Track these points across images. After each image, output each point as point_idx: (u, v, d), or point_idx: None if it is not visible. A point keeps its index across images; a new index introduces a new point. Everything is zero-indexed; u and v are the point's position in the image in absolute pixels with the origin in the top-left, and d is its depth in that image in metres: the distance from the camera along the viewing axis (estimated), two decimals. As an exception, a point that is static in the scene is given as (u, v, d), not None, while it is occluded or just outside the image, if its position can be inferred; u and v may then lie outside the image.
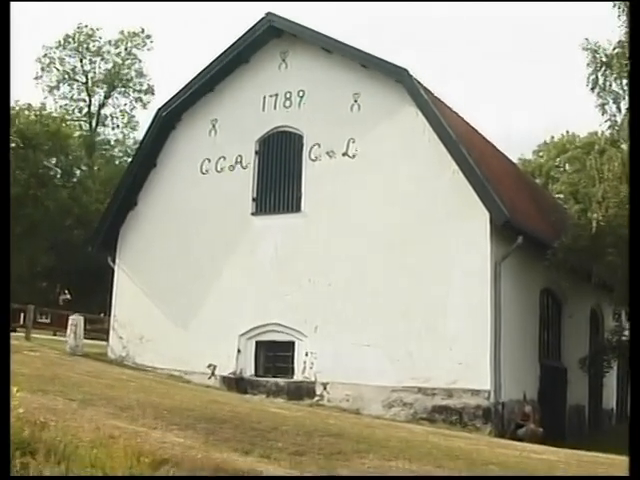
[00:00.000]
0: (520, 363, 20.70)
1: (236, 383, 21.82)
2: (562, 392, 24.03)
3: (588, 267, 20.82)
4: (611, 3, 21.08)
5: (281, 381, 21.41)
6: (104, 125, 64.63)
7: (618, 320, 24.84)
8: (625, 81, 22.56)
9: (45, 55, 61.72)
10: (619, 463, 12.91)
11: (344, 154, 21.53)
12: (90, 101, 63.41)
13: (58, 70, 62.22)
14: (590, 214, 20.48)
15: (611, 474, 11.13)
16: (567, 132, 60.12)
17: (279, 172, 22.77)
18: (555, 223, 24.19)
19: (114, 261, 25.04)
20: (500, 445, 14.62)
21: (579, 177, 42.87)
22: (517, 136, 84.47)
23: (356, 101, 21.54)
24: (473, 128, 25.67)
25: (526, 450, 13.77)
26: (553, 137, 61.25)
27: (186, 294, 23.13)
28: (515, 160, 43.68)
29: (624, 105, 22.81)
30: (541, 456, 12.72)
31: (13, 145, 44.69)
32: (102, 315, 39.04)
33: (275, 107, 22.89)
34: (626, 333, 25.19)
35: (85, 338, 24.87)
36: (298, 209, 22.11)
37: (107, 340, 25.38)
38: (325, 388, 20.59)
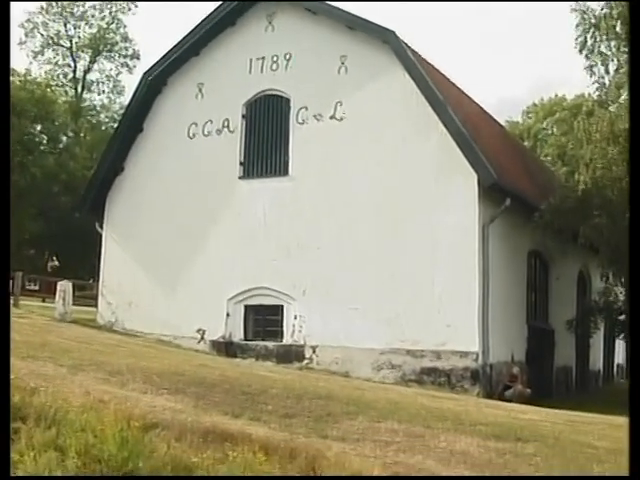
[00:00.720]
0: (508, 325, 20.82)
1: (225, 347, 21.88)
2: (549, 353, 24.22)
3: (575, 229, 20.88)
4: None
5: (270, 345, 21.50)
6: (90, 91, 64.09)
7: (605, 282, 25.00)
8: (613, 43, 22.53)
9: (28, 20, 61.00)
10: (604, 422, 13.08)
11: (331, 117, 21.42)
12: (75, 66, 62.83)
13: (42, 35, 61.56)
14: (578, 176, 20.51)
15: (595, 433, 11.25)
16: (555, 95, 60.04)
17: (266, 136, 22.67)
18: (543, 185, 24.27)
19: (102, 227, 24.97)
20: (488, 406, 14.74)
21: (567, 139, 42.94)
22: (505, 99, 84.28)
23: (343, 63, 21.40)
24: (460, 90, 25.57)
25: (514, 410, 13.89)
26: (542, 99, 61.17)
27: (174, 259, 23.10)
28: (503, 123, 43.62)
29: (612, 67, 22.82)
30: (528, 416, 12.84)
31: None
32: (91, 281, 39.01)
33: (262, 70, 22.72)
34: (613, 295, 25.44)
35: (74, 304, 24.87)
36: (286, 173, 22.05)
37: (96, 306, 25.37)
38: (314, 351, 20.69)
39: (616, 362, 32.33)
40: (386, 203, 20.36)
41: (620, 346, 31.42)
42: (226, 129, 23.13)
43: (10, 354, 7.18)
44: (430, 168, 19.97)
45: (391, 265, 20.04)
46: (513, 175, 23.08)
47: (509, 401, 17.60)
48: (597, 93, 24.01)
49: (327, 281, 20.76)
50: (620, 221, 19.73)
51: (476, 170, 19.21)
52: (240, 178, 22.75)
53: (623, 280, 24.04)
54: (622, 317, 25.33)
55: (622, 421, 13.81)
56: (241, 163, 22.82)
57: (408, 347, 19.52)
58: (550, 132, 57.88)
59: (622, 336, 27.30)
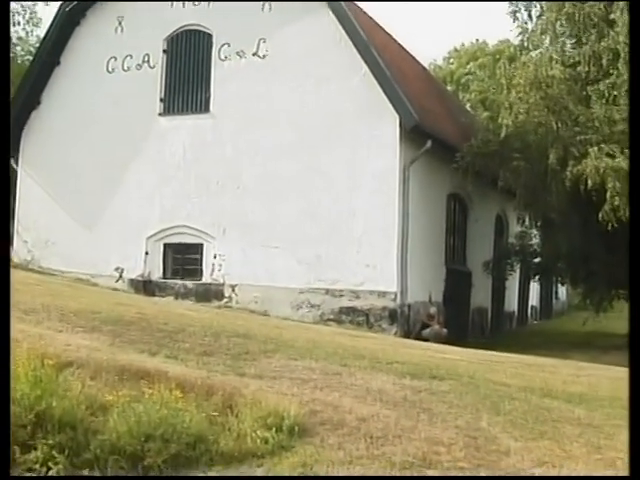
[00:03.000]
0: (426, 266, 21.10)
1: (144, 286, 21.71)
2: (466, 295, 24.69)
3: (495, 172, 21.16)
4: None
5: (189, 283, 21.40)
6: (4, 21, 61.68)
7: (522, 225, 25.54)
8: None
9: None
10: (516, 361, 13.45)
11: (254, 54, 21.10)
12: (-12, -6, 60.37)
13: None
14: (500, 119, 20.72)
15: (508, 371, 11.54)
16: (477, 40, 60.18)
17: (187, 72, 22.23)
18: (464, 129, 24.44)
19: (17, 163, 24.25)
20: (405, 345, 14.97)
21: (489, 84, 43.25)
22: (429, 42, 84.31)
23: (268, 0, 21.03)
24: (385, 32, 25.45)
25: (430, 349, 14.15)
26: (463, 44, 61.26)
27: (92, 196, 22.65)
28: (426, 66, 43.68)
29: (535, 12, 22.96)
30: (444, 355, 13.08)
31: None
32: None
33: (184, 5, 22.20)
34: (529, 238, 26.02)
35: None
36: (207, 110, 21.71)
37: (11, 244, 24.79)
38: (234, 290, 20.68)
39: (530, 304, 33.17)
40: (307, 143, 20.27)
41: (534, 288, 32.22)
42: (146, 64, 22.58)
43: (10, 351, 7.05)
44: (352, 108, 19.90)
45: (312, 205, 20.05)
46: (435, 118, 23.18)
47: (426, 340, 17.92)
48: (520, 38, 24.18)
49: (247, 220, 20.68)
50: (537, 166, 20.08)
51: (398, 111, 19.21)
52: (160, 115, 22.32)
53: (539, 224, 24.60)
54: (537, 260, 25.95)
55: (533, 360, 14.27)
56: (161, 99, 22.37)
57: (327, 287, 19.68)
58: (473, 77, 58.15)
59: (537, 278, 28.00)
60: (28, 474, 6.31)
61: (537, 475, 6.41)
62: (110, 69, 23.01)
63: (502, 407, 8.39)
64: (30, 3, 60.73)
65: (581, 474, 6.50)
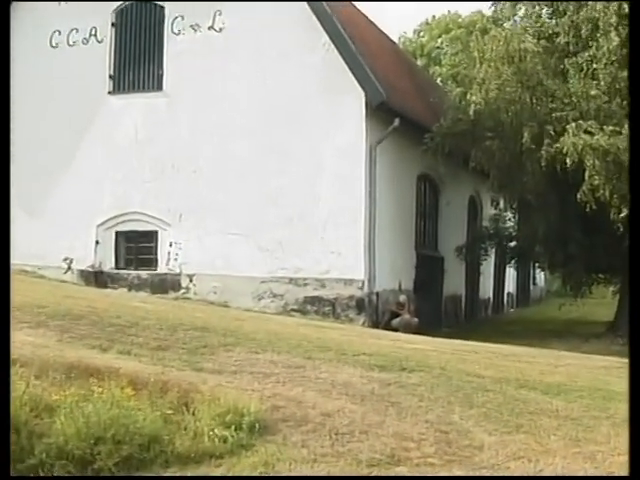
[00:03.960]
0: (395, 252, 21.17)
1: (95, 277, 21.56)
2: (438, 281, 24.81)
3: (467, 152, 21.24)
4: None
5: (144, 274, 21.30)
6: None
7: (496, 207, 25.73)
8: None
9: None
10: (491, 351, 13.54)
11: (210, 27, 20.95)
12: None
13: None
14: (470, 96, 20.76)
15: (482, 362, 11.62)
16: (449, 11, 60.28)
17: (138, 47, 22.01)
18: (435, 106, 24.47)
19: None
20: (373, 335, 15.02)
21: (461, 58, 43.37)
22: (398, 15, 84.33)
23: (223, -31, 20.90)
24: (349, 1, 25.37)
25: (400, 340, 14.20)
26: (435, 16, 61.32)
27: (38, 182, 22.37)
28: (395, 39, 43.68)
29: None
30: (415, 345, 13.13)
31: None
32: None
33: (133, -26, 22.00)
34: (503, 221, 26.21)
35: None
36: (160, 87, 21.53)
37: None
38: (191, 280, 20.62)
39: (507, 290, 33.43)
40: (267, 122, 20.17)
41: (511, 274, 32.47)
42: (94, 38, 22.31)
43: (10, 352, 7.10)
44: (315, 85, 19.84)
45: (273, 189, 20.00)
46: (403, 94, 23.21)
47: (395, 331, 17.99)
48: (492, 9, 24.29)
49: (205, 205, 20.59)
50: (511, 145, 20.19)
51: (363, 87, 19.21)
52: (110, 93, 22.12)
53: (514, 206, 24.77)
54: (513, 244, 26.15)
55: (509, 350, 14.38)
56: (110, 76, 22.15)
57: (290, 275, 19.68)
58: (444, 50, 58.24)
59: (513, 263, 28.21)
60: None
61: (540, 475, 6.47)
62: (54, 44, 22.71)
63: (475, 399, 8.46)
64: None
65: (558, 468, 6.58)
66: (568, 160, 18.25)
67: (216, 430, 6.78)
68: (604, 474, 6.49)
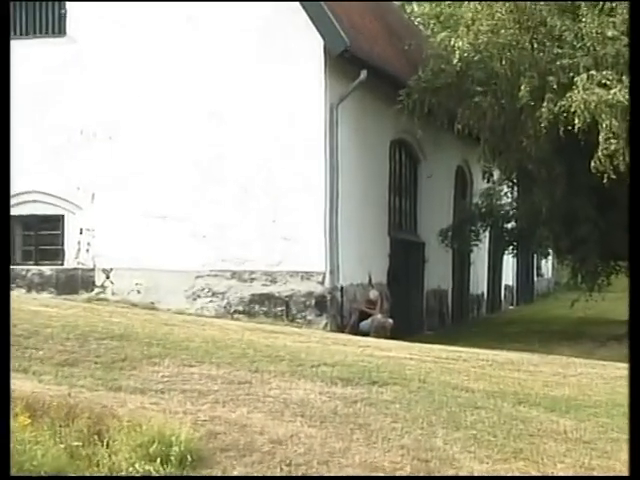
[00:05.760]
0: (364, 237, 21.24)
1: (-17, 275, 21.34)
2: (418, 273, 24.93)
3: (452, 111, 21.28)
4: None
5: (47, 269, 21.20)
6: None
7: (489, 180, 25.74)
8: None
9: None
10: (483, 359, 13.62)
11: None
12: None
13: None
14: (456, 41, 20.76)
15: (472, 372, 11.69)
16: None
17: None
18: (412, 54, 24.44)
19: None
20: (337, 341, 15.01)
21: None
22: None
23: None
24: None
25: (370, 346, 14.20)
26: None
27: None
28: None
29: None
30: (388, 353, 13.15)
31: None
32: None
33: None
34: (498, 197, 26.29)
35: None
36: (62, 31, 21.31)
37: None
38: (108, 277, 20.57)
39: (504, 283, 33.66)
40: (203, 77, 20.09)
41: (509, 263, 32.70)
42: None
43: (10, 352, 7.22)
44: (261, 31, 19.77)
45: (211, 161, 19.97)
46: (372, 40, 23.21)
47: (365, 335, 18.03)
48: None
49: (124, 182, 20.48)
50: (507, 101, 20.25)
51: (322, 33, 19.21)
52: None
53: (512, 178, 24.89)
54: (510, 225, 26.28)
55: (506, 357, 14.45)
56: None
57: (234, 268, 19.70)
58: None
59: (511, 249, 28.35)
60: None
61: (540, 476, 6.49)
62: None
63: (463, 419, 8.50)
64: None
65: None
66: (578, 120, 18.31)
67: (137, 465, 6.74)
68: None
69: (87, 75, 20.94)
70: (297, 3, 19.21)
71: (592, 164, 18.50)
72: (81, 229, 20.88)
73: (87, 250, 20.81)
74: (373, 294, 20.42)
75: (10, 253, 7.99)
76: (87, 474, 6.71)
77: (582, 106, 18.25)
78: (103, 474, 6.73)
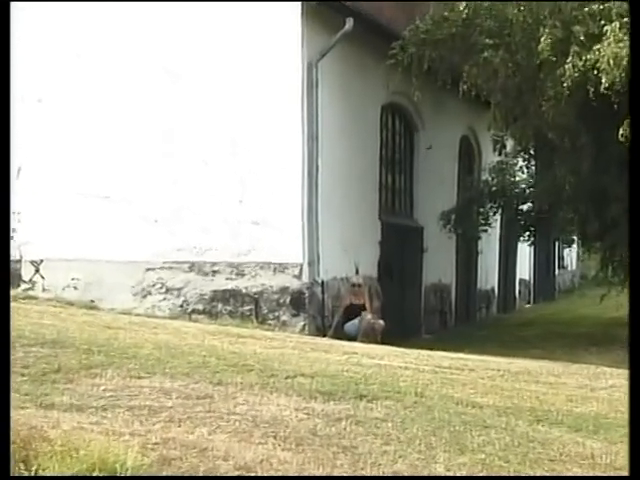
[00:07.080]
0: (350, 221, 21.29)
1: None
2: (415, 264, 24.99)
3: (456, 69, 21.26)
4: None
5: (-37, 262, 21.07)
6: None
7: (500, 153, 25.72)
8: None
9: None
10: (493, 367, 13.67)
11: None
12: None
13: None
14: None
15: (479, 384, 11.71)
16: None
17: None
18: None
19: None
20: (318, 347, 15.03)
21: None
22: None
23: None
24: None
25: (357, 353, 14.22)
26: None
27: None
28: None
29: None
30: (379, 361, 13.16)
31: None
32: None
33: None
34: (512, 173, 26.34)
35: None
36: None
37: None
38: (37, 270, 20.62)
39: (519, 277, 33.76)
40: (159, 32, 20.08)
41: (525, 252, 32.78)
42: None
43: (10, 352, 7.41)
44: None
45: (165, 130, 20.00)
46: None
47: (352, 339, 18.08)
48: None
49: (60, 155, 20.49)
50: (524, 56, 20.22)
51: (298, -28, 19.25)
52: None
53: (528, 149, 24.90)
54: (526, 206, 26.31)
55: (521, 366, 14.49)
56: None
57: (192, 259, 19.73)
58: None
59: (528, 236, 28.39)
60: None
61: (540, 476, 6.50)
62: None
63: (469, 441, 8.49)
64: None
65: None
66: (605, 78, 18.29)
67: (72, 498, 6.73)
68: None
69: (16, 21, 20.83)
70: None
71: (620, 132, 18.43)
72: (5, 211, 20.80)
73: (12, 237, 20.75)
74: (357, 278, 20.41)
75: (10, 253, 8.28)
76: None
77: (612, 62, 18.23)
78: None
